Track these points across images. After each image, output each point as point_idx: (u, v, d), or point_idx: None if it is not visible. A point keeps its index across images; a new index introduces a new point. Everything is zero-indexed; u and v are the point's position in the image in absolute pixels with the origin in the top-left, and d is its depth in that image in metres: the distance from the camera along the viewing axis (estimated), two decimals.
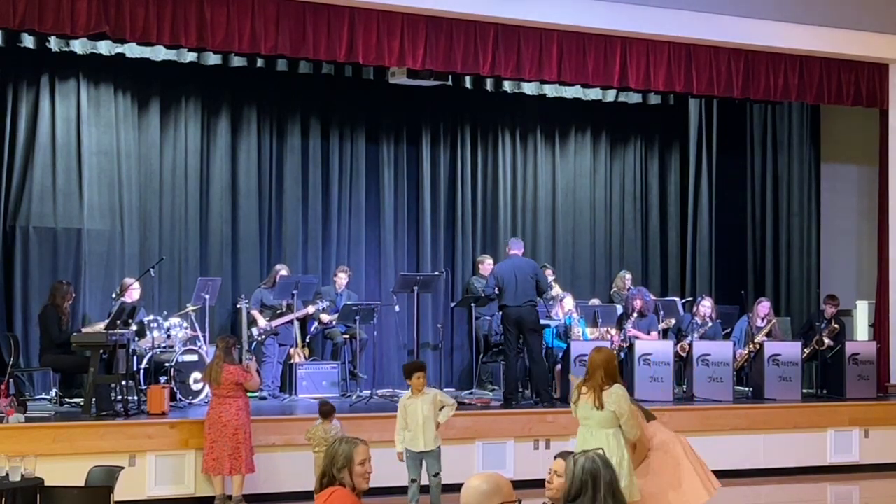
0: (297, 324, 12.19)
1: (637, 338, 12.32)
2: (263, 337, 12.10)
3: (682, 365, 12.55)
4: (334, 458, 4.74)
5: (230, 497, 9.26)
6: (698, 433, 10.44)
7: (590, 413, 7.05)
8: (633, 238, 15.12)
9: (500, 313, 11.74)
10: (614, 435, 7.01)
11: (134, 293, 11.23)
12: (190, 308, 11.60)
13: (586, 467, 4.19)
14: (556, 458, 4.51)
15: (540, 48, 11.83)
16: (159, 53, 11.78)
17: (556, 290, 13.20)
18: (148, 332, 11.02)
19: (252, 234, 13.01)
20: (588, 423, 7.07)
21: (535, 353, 11.41)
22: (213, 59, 11.87)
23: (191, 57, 11.79)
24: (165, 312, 11.55)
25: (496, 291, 11.45)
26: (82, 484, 7.33)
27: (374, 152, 13.74)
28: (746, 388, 12.71)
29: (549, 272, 13.58)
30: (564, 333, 12.38)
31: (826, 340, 12.71)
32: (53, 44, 11.32)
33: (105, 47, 11.44)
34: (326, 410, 9.19)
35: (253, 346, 12.15)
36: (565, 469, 4.28)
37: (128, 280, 11.49)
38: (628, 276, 13.97)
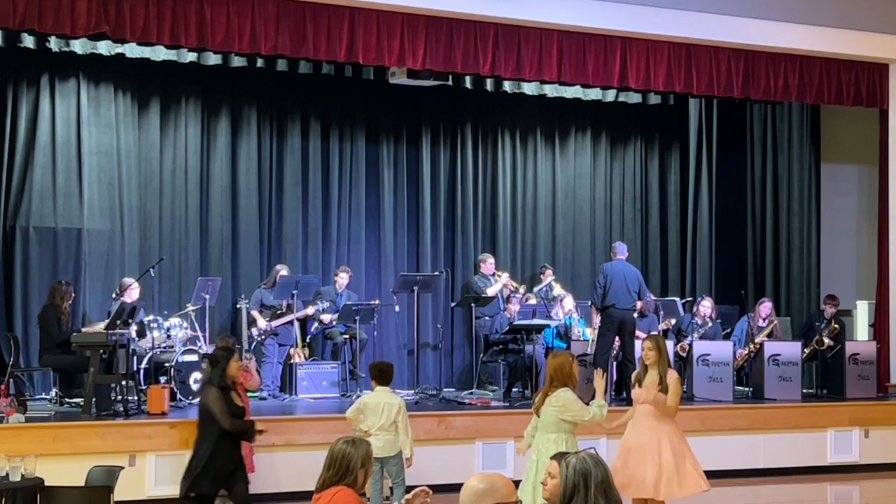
0: (297, 324, 12.20)
1: (638, 338, 12.31)
2: (263, 337, 12.10)
3: (682, 365, 12.54)
4: (352, 459, 4.76)
5: None
6: (698, 433, 10.45)
7: (537, 419, 7.18)
8: (633, 238, 15.11)
9: (601, 313, 11.71)
10: (558, 441, 7.01)
11: (133, 293, 11.23)
12: (190, 308, 11.60)
13: (577, 468, 4.19)
14: (551, 459, 4.52)
15: (540, 48, 11.83)
16: (159, 53, 11.78)
17: (557, 289, 13.22)
18: (148, 332, 11.02)
19: (252, 234, 13.01)
20: (539, 428, 7.18)
21: (630, 355, 11.44)
22: (213, 59, 11.87)
23: (191, 57, 11.79)
24: (166, 312, 11.55)
25: (602, 291, 11.55)
26: (82, 484, 7.34)
27: (374, 152, 13.74)
28: (746, 388, 12.72)
29: (549, 272, 13.62)
30: (564, 333, 12.39)
31: (826, 340, 12.71)
32: (53, 44, 11.33)
33: (105, 47, 11.45)
34: None
35: (253, 347, 12.15)
36: (559, 471, 4.28)
37: (127, 280, 11.49)
38: None
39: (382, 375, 8.59)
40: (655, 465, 7.62)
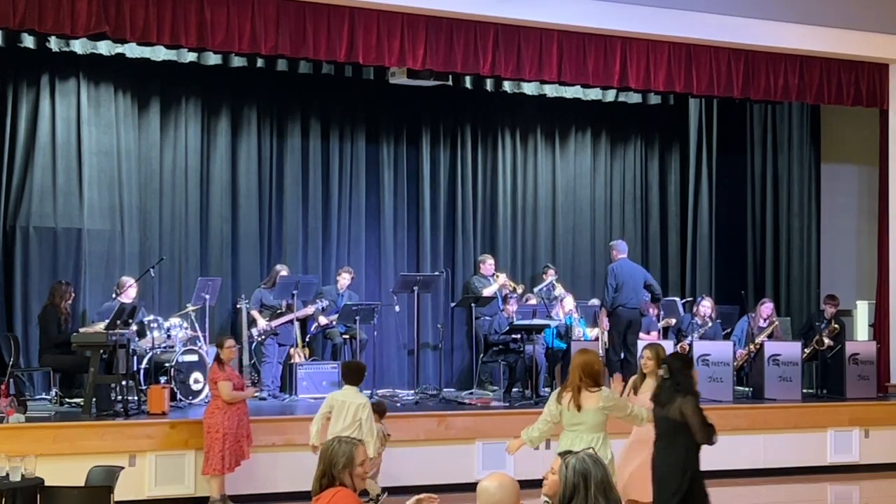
0: (297, 324, 12.19)
1: (640, 339, 12.32)
2: (263, 337, 12.10)
3: None
4: (334, 459, 4.74)
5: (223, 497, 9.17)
6: None
7: (575, 418, 6.97)
8: (633, 238, 15.10)
9: (609, 312, 11.83)
10: (603, 440, 6.97)
11: (131, 292, 11.23)
12: (190, 308, 11.60)
13: (577, 468, 4.20)
14: (558, 454, 4.53)
15: (540, 48, 11.83)
16: (159, 53, 11.78)
17: (558, 289, 13.22)
18: (148, 332, 11.02)
19: (252, 234, 13.00)
20: (576, 429, 6.97)
21: (633, 353, 11.56)
22: (213, 59, 11.87)
23: (191, 57, 11.79)
24: (162, 317, 11.52)
25: (613, 291, 11.56)
26: (82, 484, 7.34)
27: (374, 152, 13.74)
28: (746, 388, 12.72)
29: (551, 272, 13.63)
30: (565, 333, 12.39)
31: (826, 340, 12.71)
32: (53, 44, 11.33)
33: (105, 47, 11.45)
34: (384, 409, 9.32)
35: (253, 347, 12.16)
36: (559, 472, 4.30)
37: (124, 279, 11.49)
38: None
39: (352, 375, 8.65)
40: (645, 466, 7.64)
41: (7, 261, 11.81)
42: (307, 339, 12.52)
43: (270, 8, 10.67)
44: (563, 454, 4.40)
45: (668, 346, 12.07)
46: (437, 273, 13.20)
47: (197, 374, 11.00)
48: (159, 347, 11.05)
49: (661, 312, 13.11)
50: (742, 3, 12.50)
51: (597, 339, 12.52)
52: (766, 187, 15.22)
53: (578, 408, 6.92)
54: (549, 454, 9.91)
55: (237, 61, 12.07)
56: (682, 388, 6.94)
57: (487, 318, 12.99)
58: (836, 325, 12.81)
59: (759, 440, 11.49)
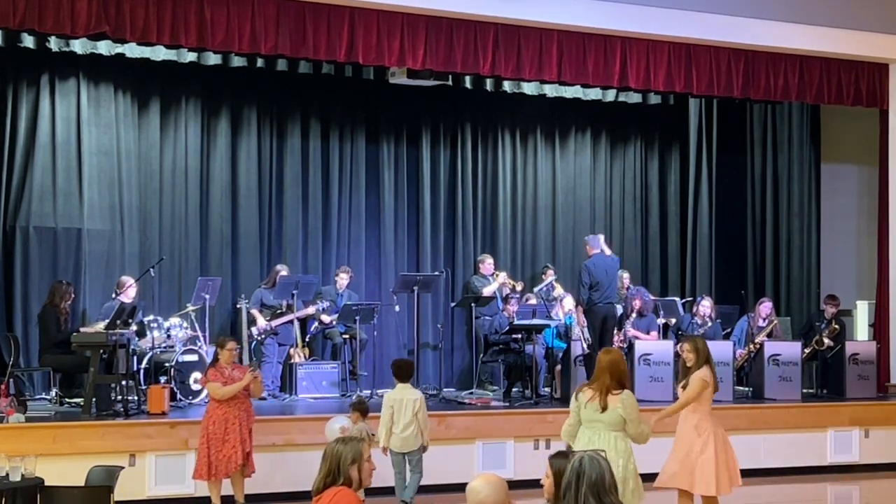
0: (296, 324, 12.20)
1: (637, 338, 12.34)
2: (263, 337, 12.11)
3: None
4: (342, 456, 4.75)
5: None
6: None
7: (595, 416, 6.98)
8: (633, 238, 15.12)
9: (586, 309, 11.79)
10: (622, 437, 6.99)
11: (130, 291, 11.23)
12: (190, 308, 11.60)
13: (574, 467, 4.23)
14: (550, 458, 4.56)
15: (540, 48, 11.83)
16: (159, 53, 11.79)
17: (557, 290, 13.23)
18: (148, 332, 11.02)
19: (252, 234, 13.01)
20: (595, 426, 6.99)
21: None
22: (213, 59, 11.88)
23: (191, 57, 11.80)
24: (162, 317, 11.52)
25: (587, 289, 11.58)
26: (82, 484, 7.34)
27: (374, 153, 13.74)
28: (746, 388, 12.71)
29: (550, 272, 13.63)
30: (565, 333, 12.38)
31: (826, 340, 12.71)
32: (53, 44, 11.33)
33: (105, 47, 11.45)
34: (366, 409, 9.32)
35: (253, 346, 12.16)
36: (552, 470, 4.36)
37: (124, 278, 11.49)
38: (626, 275, 13.95)
39: (402, 372, 8.74)
40: (677, 459, 7.71)
41: (7, 261, 11.81)
42: (307, 339, 12.53)
43: (270, 8, 10.68)
44: (554, 456, 4.43)
45: (669, 346, 12.14)
46: (437, 273, 13.20)
47: (197, 374, 10.99)
48: (159, 347, 11.05)
49: (663, 312, 13.10)
50: (742, 3, 12.50)
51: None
52: (766, 187, 15.23)
53: (604, 408, 6.94)
54: (548, 454, 9.92)
55: (237, 61, 12.08)
56: None
57: (487, 317, 12.99)
58: (836, 325, 12.81)
59: (759, 440, 11.49)
